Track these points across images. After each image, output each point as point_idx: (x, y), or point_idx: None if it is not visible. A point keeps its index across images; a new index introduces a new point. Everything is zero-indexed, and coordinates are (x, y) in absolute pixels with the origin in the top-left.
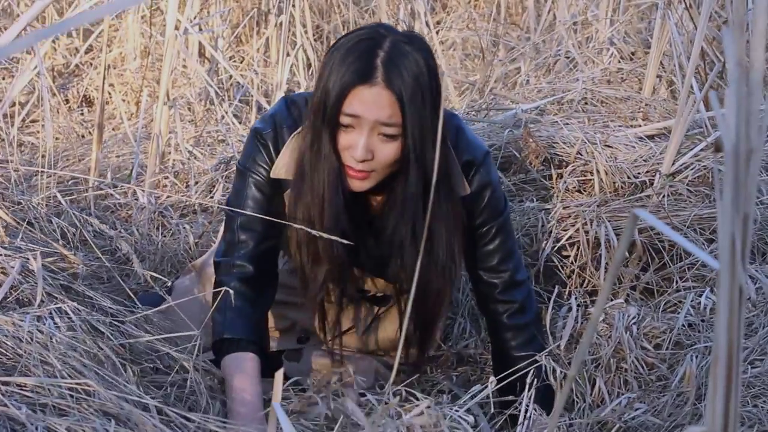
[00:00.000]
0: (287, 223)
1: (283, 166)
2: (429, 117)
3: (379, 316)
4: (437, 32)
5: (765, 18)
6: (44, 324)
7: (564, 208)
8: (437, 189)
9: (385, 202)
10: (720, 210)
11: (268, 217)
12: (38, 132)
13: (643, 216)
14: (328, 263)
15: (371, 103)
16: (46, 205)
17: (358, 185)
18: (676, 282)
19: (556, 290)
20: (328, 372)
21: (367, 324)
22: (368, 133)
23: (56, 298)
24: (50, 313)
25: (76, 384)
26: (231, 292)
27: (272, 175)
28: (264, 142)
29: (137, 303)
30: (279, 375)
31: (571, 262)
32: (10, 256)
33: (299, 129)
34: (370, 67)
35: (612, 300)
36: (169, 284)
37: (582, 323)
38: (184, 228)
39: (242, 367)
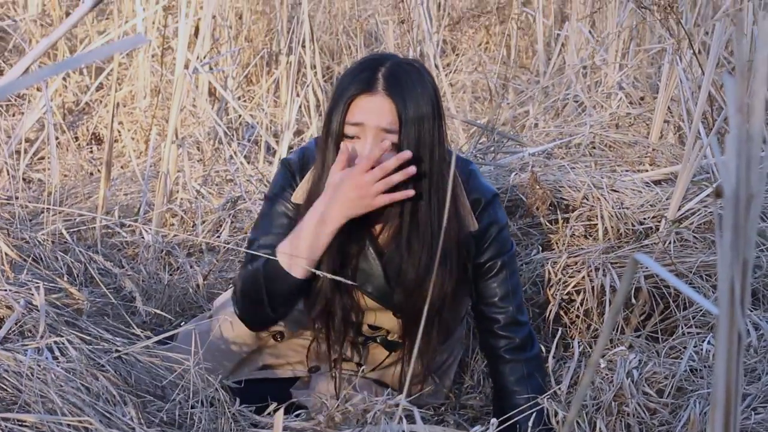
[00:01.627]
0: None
1: (302, 193)
2: (428, 132)
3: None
4: (446, 75)
5: (766, 64)
6: (45, 359)
7: (569, 256)
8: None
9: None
10: (720, 255)
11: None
12: (46, 169)
13: (643, 261)
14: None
15: (372, 111)
16: (52, 242)
17: None
18: (681, 328)
19: (559, 332)
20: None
21: (375, 365)
22: (372, 141)
23: (60, 333)
24: (50, 348)
25: (77, 422)
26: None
27: (292, 199)
28: (291, 171)
29: (139, 332)
30: (279, 415)
31: (577, 308)
32: (15, 291)
33: None
34: (372, 78)
35: (617, 346)
36: (175, 323)
37: (585, 369)
38: (192, 268)
39: None
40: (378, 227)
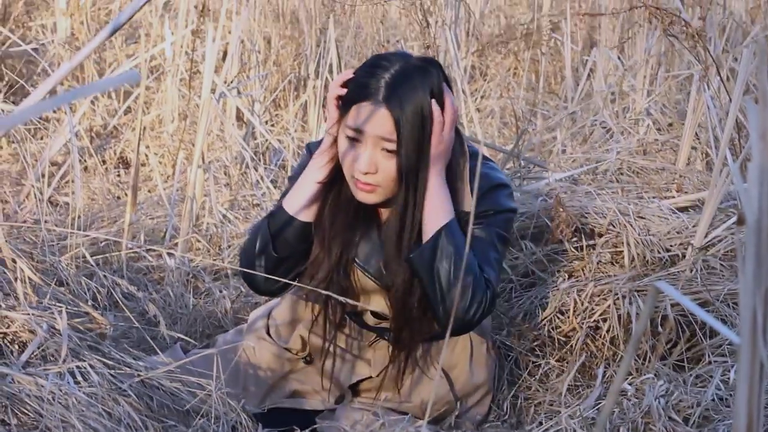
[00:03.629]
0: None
1: None
2: (428, 141)
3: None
4: (474, 100)
5: None
6: (67, 383)
7: (596, 284)
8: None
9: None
10: (742, 283)
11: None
12: (72, 192)
13: (664, 289)
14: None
15: (371, 119)
16: (76, 266)
17: (364, 197)
18: (708, 356)
19: (582, 358)
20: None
21: (384, 366)
22: (371, 147)
23: (82, 357)
24: (72, 372)
25: None
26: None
27: None
28: (312, 154)
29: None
30: None
31: (603, 336)
32: (38, 315)
33: None
34: (375, 86)
35: (643, 375)
36: (200, 347)
37: (608, 393)
38: (220, 292)
39: None
40: (385, 211)
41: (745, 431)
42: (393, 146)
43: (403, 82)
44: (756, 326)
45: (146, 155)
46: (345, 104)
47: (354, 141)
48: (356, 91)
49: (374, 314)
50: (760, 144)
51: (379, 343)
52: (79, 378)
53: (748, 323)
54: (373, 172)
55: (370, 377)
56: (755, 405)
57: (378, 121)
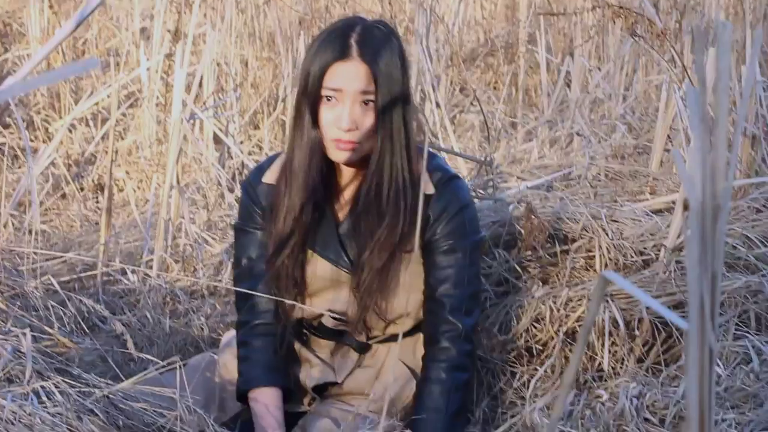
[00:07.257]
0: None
1: (273, 173)
2: (397, 90)
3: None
4: (453, 116)
5: (727, 74)
6: (31, 404)
7: (570, 290)
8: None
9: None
10: (689, 269)
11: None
12: (52, 220)
13: (612, 278)
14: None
15: (349, 76)
16: (50, 291)
17: (344, 156)
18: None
19: (551, 361)
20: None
21: (350, 371)
22: (351, 104)
23: (47, 378)
24: (36, 393)
25: None
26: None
27: (263, 180)
28: (250, 191)
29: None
30: None
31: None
32: (3, 338)
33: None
34: (345, 45)
35: (619, 377)
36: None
37: (587, 400)
38: (194, 312)
39: (269, 409)
40: (343, 187)
41: (697, 420)
42: (372, 97)
43: (370, 38)
44: (704, 311)
45: (123, 180)
46: (313, 66)
47: (330, 100)
48: (327, 55)
49: (331, 314)
50: (700, 127)
51: (342, 349)
52: (44, 398)
53: (696, 308)
54: (354, 128)
55: (336, 383)
56: (706, 392)
57: (356, 76)
